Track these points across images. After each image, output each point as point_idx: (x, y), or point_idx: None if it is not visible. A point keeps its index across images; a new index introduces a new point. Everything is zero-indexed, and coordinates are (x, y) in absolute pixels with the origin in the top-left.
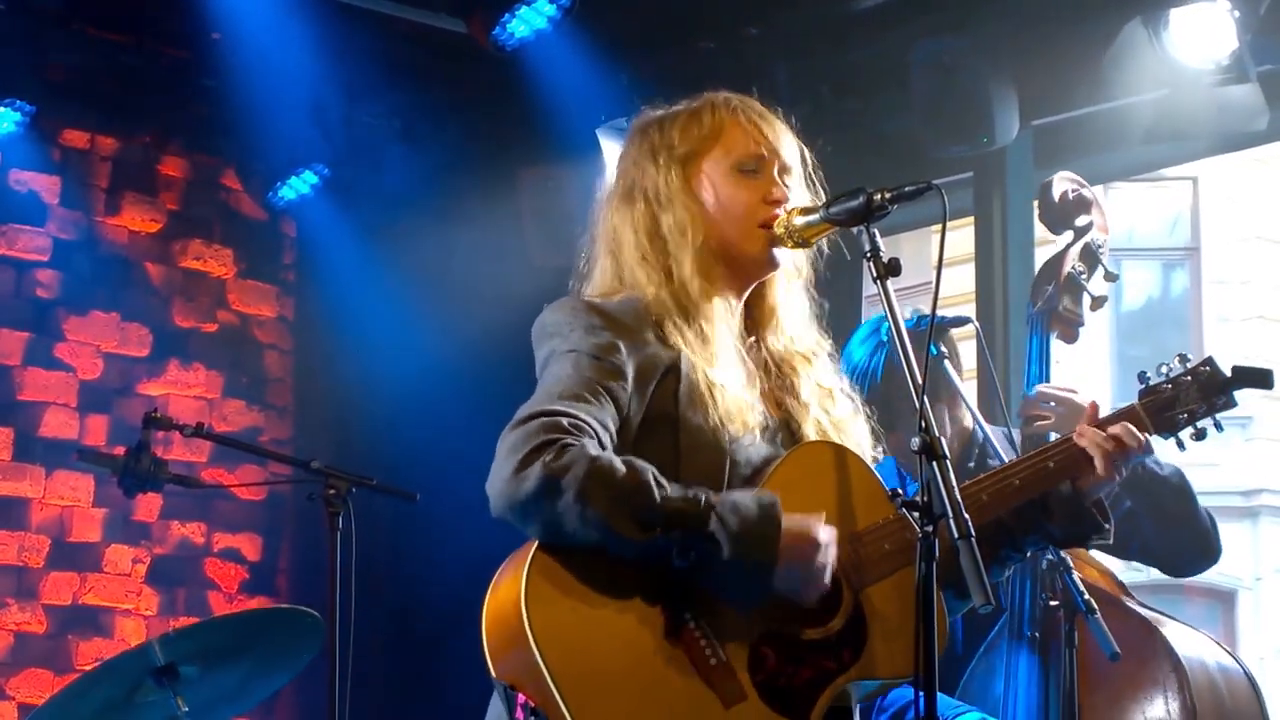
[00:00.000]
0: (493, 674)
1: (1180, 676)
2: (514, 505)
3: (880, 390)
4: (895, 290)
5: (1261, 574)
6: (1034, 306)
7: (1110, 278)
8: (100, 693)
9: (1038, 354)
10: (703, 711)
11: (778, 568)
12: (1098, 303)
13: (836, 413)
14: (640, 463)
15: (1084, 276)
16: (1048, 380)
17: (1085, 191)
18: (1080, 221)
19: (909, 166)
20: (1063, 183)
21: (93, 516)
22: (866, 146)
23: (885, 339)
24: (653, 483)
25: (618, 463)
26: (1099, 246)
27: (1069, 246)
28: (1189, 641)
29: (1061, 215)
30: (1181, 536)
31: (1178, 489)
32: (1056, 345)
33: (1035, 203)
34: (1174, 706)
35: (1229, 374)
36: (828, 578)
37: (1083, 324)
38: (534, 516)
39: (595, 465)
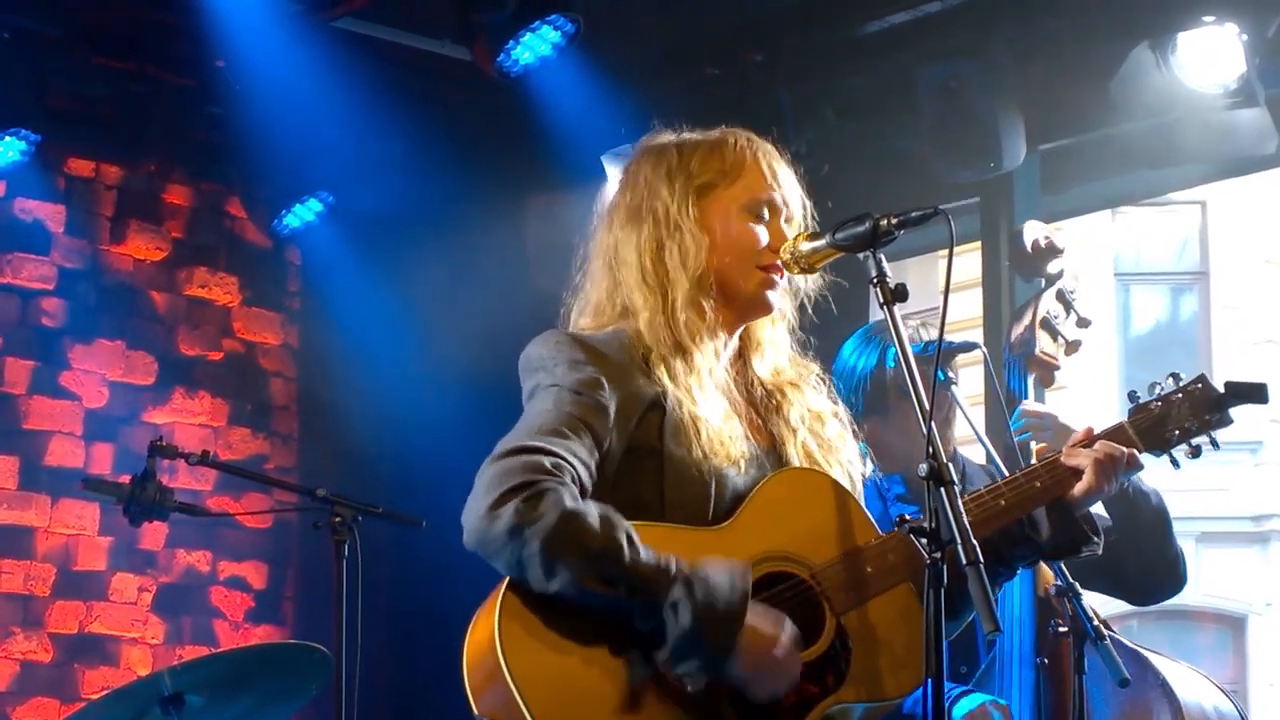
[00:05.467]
0: (474, 710)
1: (1173, 706)
2: (483, 543)
3: (874, 378)
4: (902, 315)
5: (1272, 599)
6: (1010, 350)
7: (1083, 324)
8: (106, 719)
9: (1020, 395)
10: None
11: (735, 655)
12: (1072, 347)
13: (825, 434)
14: (616, 519)
15: (1058, 321)
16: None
17: (1056, 239)
18: (1052, 269)
19: (915, 192)
20: (1034, 231)
21: (98, 545)
22: (872, 171)
23: (877, 343)
24: (624, 543)
25: (591, 517)
26: (1071, 293)
27: (1042, 292)
28: (1180, 675)
29: (1034, 263)
30: (1153, 559)
31: (1156, 509)
32: (1063, 370)
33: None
34: None
35: (1221, 390)
36: (784, 684)
37: (1059, 368)
38: (501, 557)
39: (566, 517)
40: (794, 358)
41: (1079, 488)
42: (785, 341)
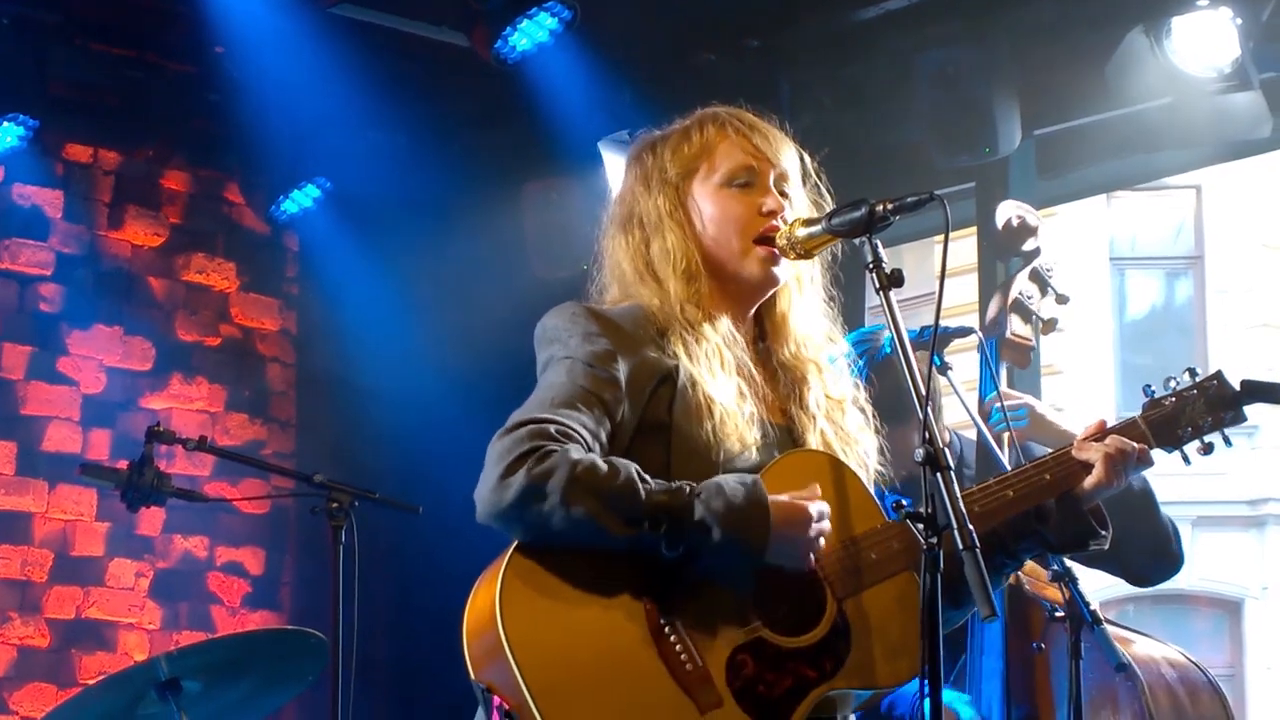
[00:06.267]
0: (471, 677)
1: (1137, 687)
2: (499, 512)
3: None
4: (898, 301)
5: (1268, 583)
6: (984, 333)
7: (1061, 300)
8: (102, 705)
9: (988, 381)
10: (678, 718)
11: (770, 542)
12: (1048, 326)
13: (844, 424)
14: (621, 460)
15: (1032, 301)
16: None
17: (1030, 218)
18: (1027, 247)
19: (911, 177)
20: (1007, 210)
21: (96, 531)
22: (869, 157)
23: (869, 347)
24: (636, 478)
25: (599, 462)
26: (1047, 270)
27: (1016, 272)
28: (1149, 653)
29: (1008, 242)
30: (1143, 542)
31: (1141, 494)
32: (1059, 354)
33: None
34: (1127, 716)
35: (1237, 388)
36: (822, 543)
37: (1034, 348)
38: (519, 522)
39: (577, 467)
40: (829, 330)
41: (1088, 481)
42: (811, 310)
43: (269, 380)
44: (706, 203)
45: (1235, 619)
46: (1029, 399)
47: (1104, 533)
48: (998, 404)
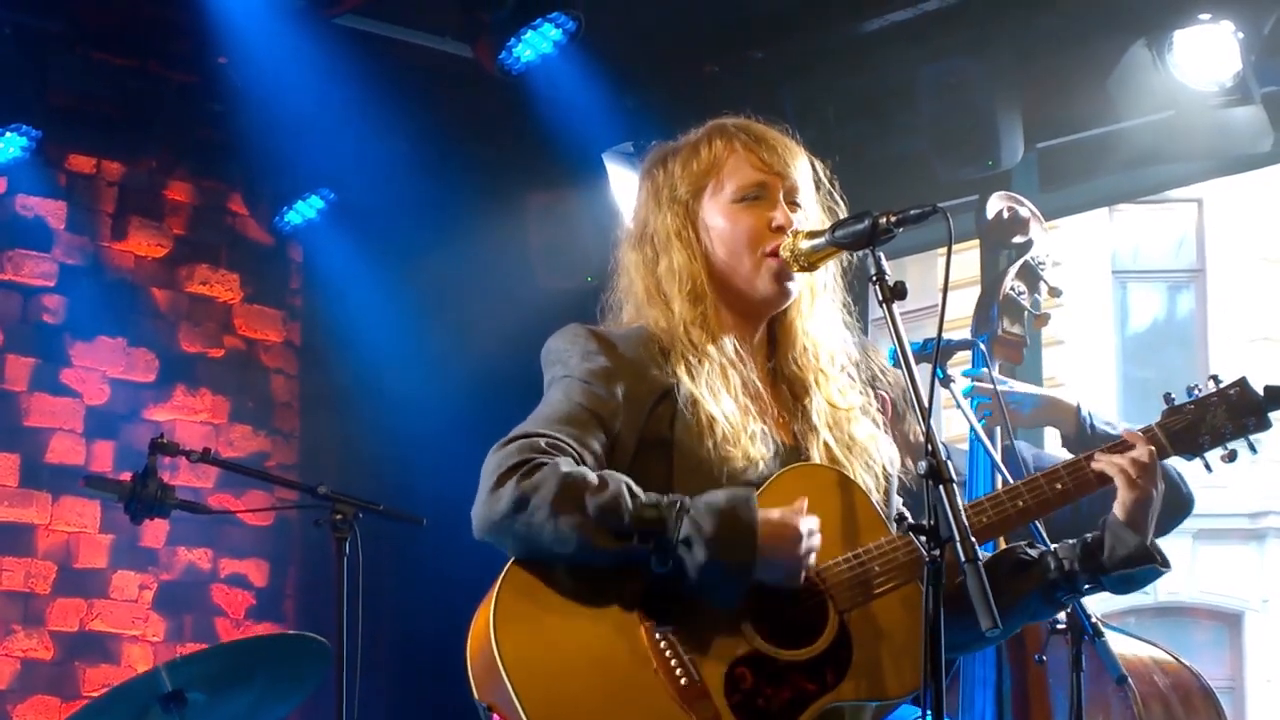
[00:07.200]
0: (475, 696)
1: (1128, 695)
2: (490, 525)
3: None
4: (901, 313)
5: (1268, 596)
6: (973, 332)
7: (1054, 294)
8: (106, 718)
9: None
10: None
11: (757, 562)
12: (1041, 320)
13: (851, 432)
14: (613, 474)
15: (1024, 296)
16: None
17: (1021, 210)
18: (1018, 240)
19: (914, 190)
20: (999, 202)
21: (99, 543)
22: (872, 169)
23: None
24: (625, 492)
25: (590, 475)
26: (1039, 264)
27: (1008, 267)
28: (1140, 658)
29: (998, 235)
30: None
31: None
32: (1061, 366)
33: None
34: None
35: (1261, 394)
36: (812, 561)
37: (1026, 344)
38: (509, 534)
39: (566, 479)
40: (846, 338)
41: (1124, 503)
42: (822, 319)
43: (273, 392)
44: (717, 219)
45: (1235, 631)
46: (1012, 386)
47: (1164, 569)
48: (977, 391)
